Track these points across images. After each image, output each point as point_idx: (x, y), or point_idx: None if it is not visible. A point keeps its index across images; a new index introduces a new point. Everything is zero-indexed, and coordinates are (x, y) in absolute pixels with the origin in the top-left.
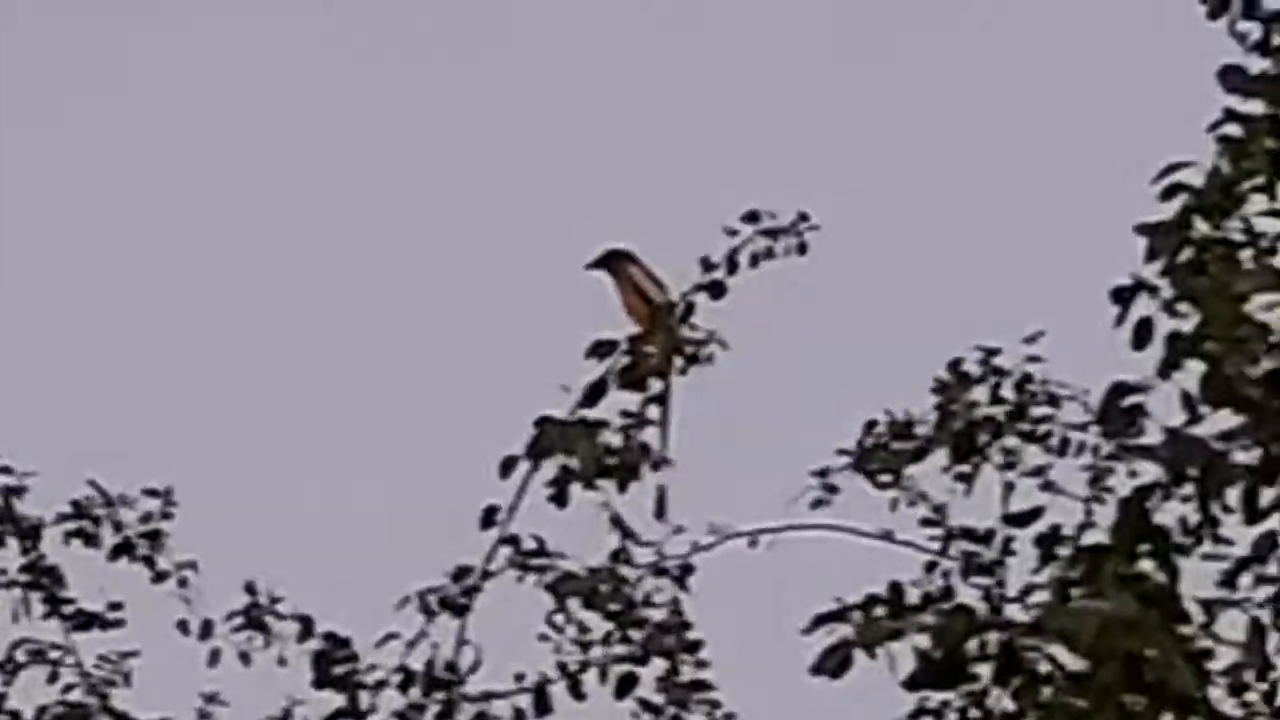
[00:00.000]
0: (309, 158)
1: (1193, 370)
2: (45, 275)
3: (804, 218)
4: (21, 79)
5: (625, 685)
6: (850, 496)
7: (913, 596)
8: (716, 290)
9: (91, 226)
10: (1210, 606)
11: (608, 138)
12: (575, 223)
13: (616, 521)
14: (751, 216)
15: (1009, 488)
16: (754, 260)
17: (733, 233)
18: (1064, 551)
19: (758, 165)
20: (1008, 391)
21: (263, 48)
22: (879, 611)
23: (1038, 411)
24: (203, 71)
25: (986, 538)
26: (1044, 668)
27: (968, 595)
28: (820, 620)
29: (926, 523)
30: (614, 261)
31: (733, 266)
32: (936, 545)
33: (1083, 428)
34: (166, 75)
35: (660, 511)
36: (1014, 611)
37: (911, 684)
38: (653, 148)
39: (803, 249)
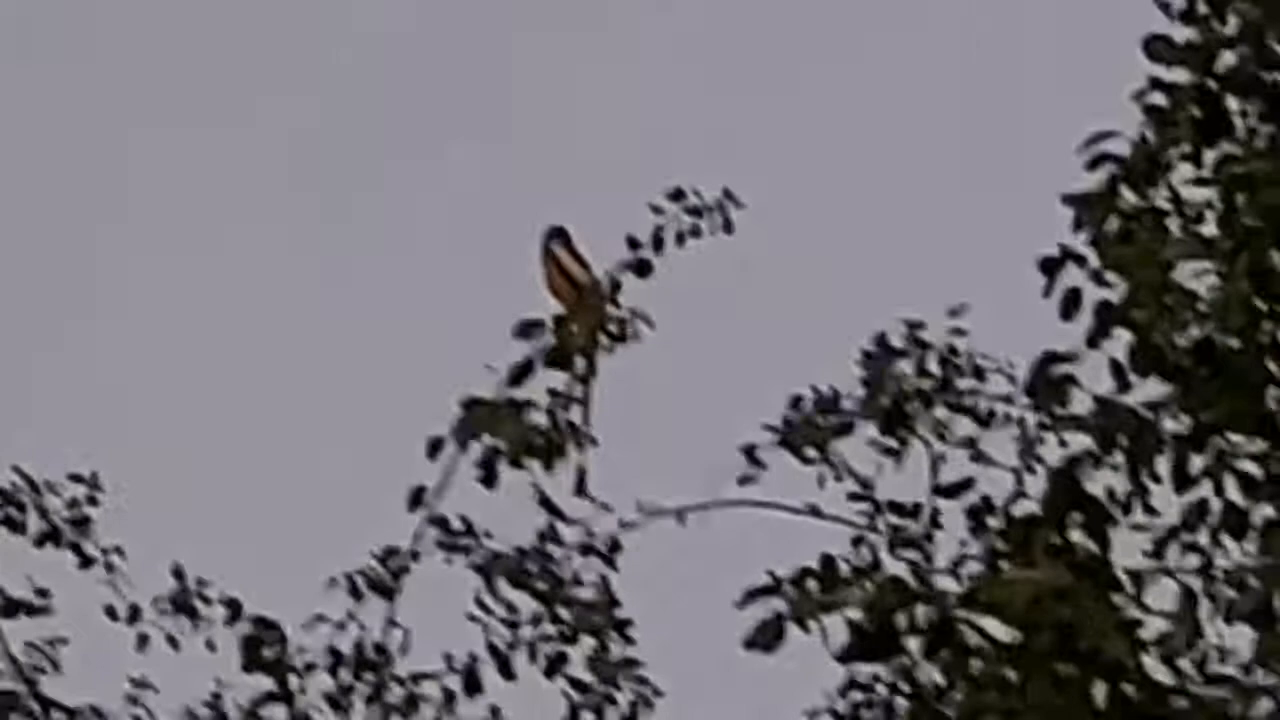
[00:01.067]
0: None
1: (1121, 339)
2: None
3: (729, 195)
4: None
5: (555, 664)
6: (777, 472)
7: (842, 571)
8: (642, 268)
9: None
10: (1140, 576)
11: (537, 116)
12: (503, 201)
13: (544, 501)
14: (677, 194)
15: (938, 460)
16: (679, 238)
17: (658, 210)
18: (995, 522)
19: (683, 143)
20: (933, 365)
21: None
22: (811, 585)
23: (964, 384)
24: None
25: (914, 511)
26: (975, 640)
27: (896, 569)
28: (752, 594)
29: (854, 497)
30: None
31: (658, 244)
32: (864, 519)
33: (1010, 399)
34: None
35: (580, 489)
36: (944, 584)
37: (843, 657)
38: (579, 125)
39: (728, 226)
